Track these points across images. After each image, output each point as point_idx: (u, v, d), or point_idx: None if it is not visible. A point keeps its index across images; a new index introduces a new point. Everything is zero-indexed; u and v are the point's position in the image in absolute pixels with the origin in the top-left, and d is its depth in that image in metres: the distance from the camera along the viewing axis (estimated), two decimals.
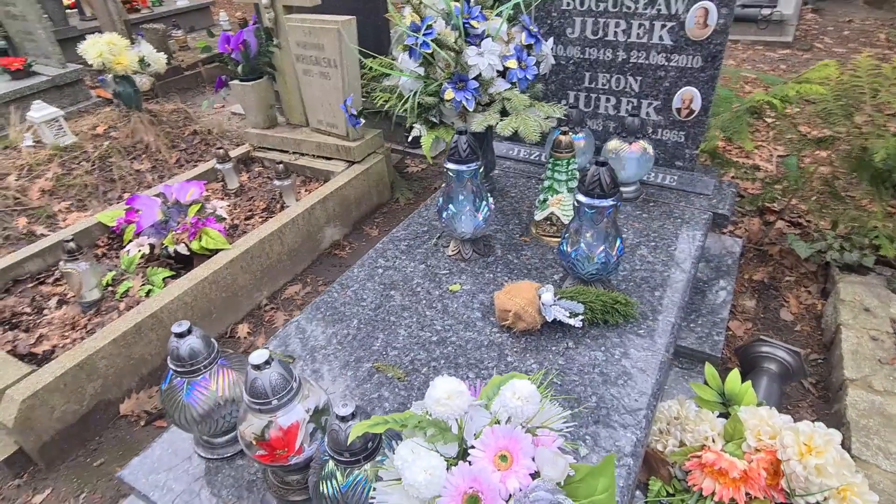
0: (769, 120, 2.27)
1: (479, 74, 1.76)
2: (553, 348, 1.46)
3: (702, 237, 1.87)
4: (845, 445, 1.53)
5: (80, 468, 1.71)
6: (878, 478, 1.41)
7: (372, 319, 1.60)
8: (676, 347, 1.85)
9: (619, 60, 2.02)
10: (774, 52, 4.86)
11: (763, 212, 2.58)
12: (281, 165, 2.62)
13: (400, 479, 0.79)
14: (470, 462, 0.79)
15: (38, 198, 2.96)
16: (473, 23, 1.73)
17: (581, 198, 1.46)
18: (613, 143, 1.99)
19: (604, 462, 0.90)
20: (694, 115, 1.99)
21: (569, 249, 1.55)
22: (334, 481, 0.95)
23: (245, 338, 2.23)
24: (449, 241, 1.88)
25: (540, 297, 1.48)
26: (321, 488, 0.96)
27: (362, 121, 2.06)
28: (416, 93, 1.80)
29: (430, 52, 1.77)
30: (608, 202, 1.43)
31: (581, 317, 1.47)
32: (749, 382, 1.53)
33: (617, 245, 1.52)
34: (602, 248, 1.50)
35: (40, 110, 3.20)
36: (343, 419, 0.89)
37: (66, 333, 2.00)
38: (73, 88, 4.29)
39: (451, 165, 1.64)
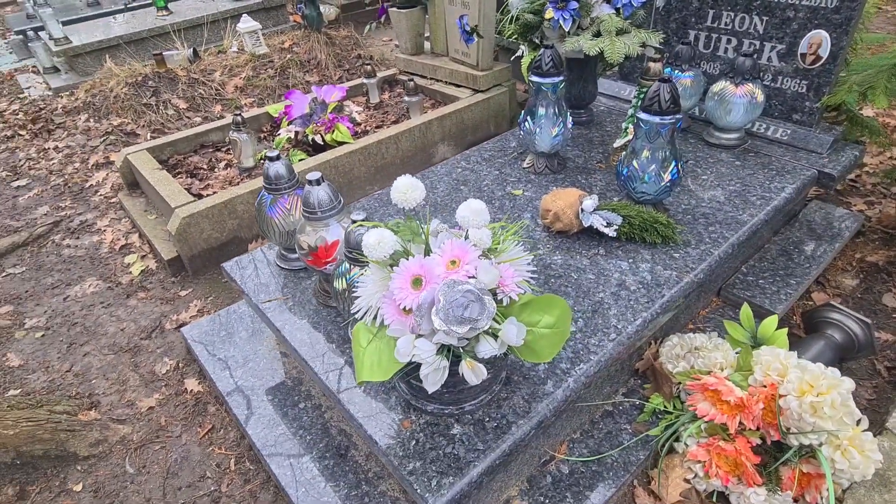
0: None
1: None
2: (583, 251, 1.57)
3: (793, 190, 1.76)
4: (885, 421, 1.41)
5: (213, 281, 2.26)
6: None
7: (438, 203, 1.84)
8: (737, 298, 1.80)
9: None
10: None
11: None
12: (412, 83, 2.93)
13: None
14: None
15: (232, 92, 3.68)
16: None
17: (640, 113, 1.50)
18: (719, 84, 1.92)
19: (547, 298, 1.04)
20: (820, 63, 1.82)
21: (622, 168, 1.61)
22: (344, 278, 1.22)
23: None
24: (527, 155, 2.02)
25: (581, 203, 1.58)
26: (335, 284, 1.25)
27: (475, 39, 2.24)
28: (516, 12, 1.93)
29: None
30: (666, 119, 1.46)
31: (616, 227, 1.54)
32: (784, 330, 1.48)
33: (671, 167, 1.54)
34: (653, 167, 1.54)
35: (245, 22, 3.92)
36: (354, 222, 1.15)
37: (225, 187, 2.58)
38: (277, 12, 5.09)
39: (533, 78, 1.77)
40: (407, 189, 0.96)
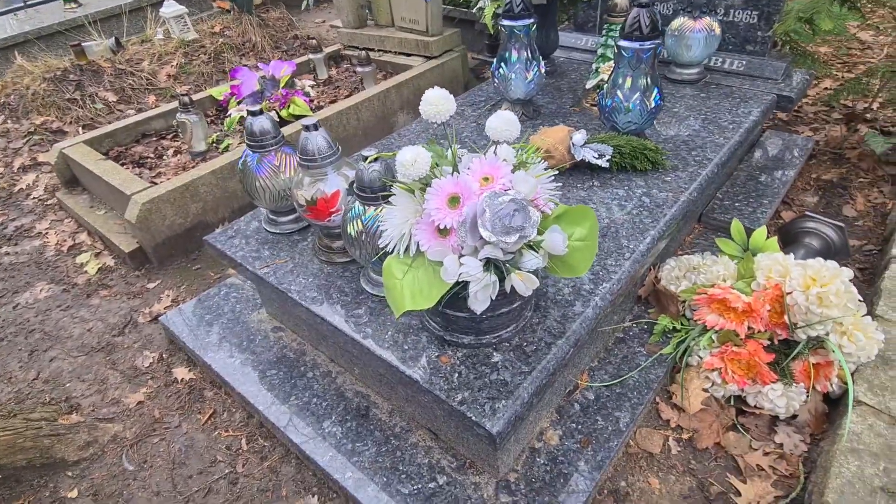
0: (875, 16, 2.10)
1: None
2: (578, 185, 1.58)
3: (759, 113, 1.85)
4: (870, 308, 1.51)
5: (182, 269, 2.11)
6: None
7: None
8: (718, 222, 1.87)
9: None
10: None
11: (850, 119, 2.43)
12: (364, 53, 2.85)
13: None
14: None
15: (165, 81, 3.44)
16: None
17: (621, 42, 1.52)
18: (677, 21, 1.98)
19: (579, 209, 1.03)
20: None
21: (606, 101, 1.63)
22: (359, 221, 1.16)
23: None
24: (501, 105, 2.01)
25: (571, 138, 1.59)
26: (349, 229, 1.18)
27: None
28: None
29: None
30: (647, 44, 1.48)
31: (608, 157, 1.56)
32: (775, 238, 1.55)
33: (654, 94, 1.58)
34: (637, 95, 1.56)
35: (170, 7, 3.66)
36: (365, 159, 1.10)
37: (178, 173, 2.40)
38: None
39: (505, 21, 1.75)
40: (438, 101, 0.91)
